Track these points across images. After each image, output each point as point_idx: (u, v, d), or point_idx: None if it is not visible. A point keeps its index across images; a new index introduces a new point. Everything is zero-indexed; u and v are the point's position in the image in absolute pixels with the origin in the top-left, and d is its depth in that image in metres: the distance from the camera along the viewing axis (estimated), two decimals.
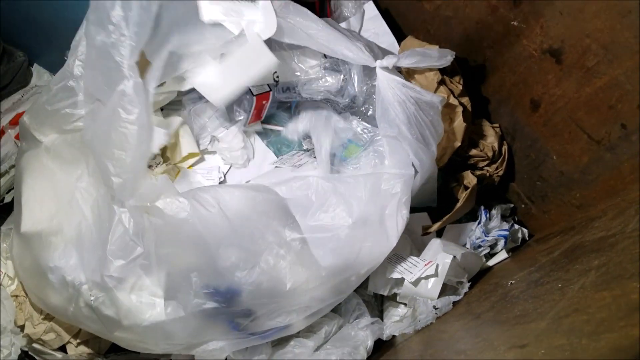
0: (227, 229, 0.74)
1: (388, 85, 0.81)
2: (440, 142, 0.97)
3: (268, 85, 0.89)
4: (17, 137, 1.11)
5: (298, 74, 0.89)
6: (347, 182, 0.86)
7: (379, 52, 0.87)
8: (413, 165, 0.85)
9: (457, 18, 1.01)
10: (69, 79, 0.78)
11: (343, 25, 1.08)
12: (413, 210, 1.00)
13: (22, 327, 0.87)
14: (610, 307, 0.46)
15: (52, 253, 0.77)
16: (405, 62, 0.83)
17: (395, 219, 0.82)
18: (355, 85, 0.90)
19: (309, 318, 0.82)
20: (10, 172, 1.07)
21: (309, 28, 0.81)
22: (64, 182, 0.80)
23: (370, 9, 1.12)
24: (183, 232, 0.72)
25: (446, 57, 0.85)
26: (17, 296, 0.88)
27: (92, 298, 0.75)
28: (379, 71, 0.82)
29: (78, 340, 0.89)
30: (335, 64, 0.89)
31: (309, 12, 0.82)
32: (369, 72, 0.89)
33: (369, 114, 0.92)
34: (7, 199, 1.07)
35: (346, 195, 0.84)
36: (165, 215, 0.71)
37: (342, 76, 0.89)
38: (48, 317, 0.88)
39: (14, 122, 1.14)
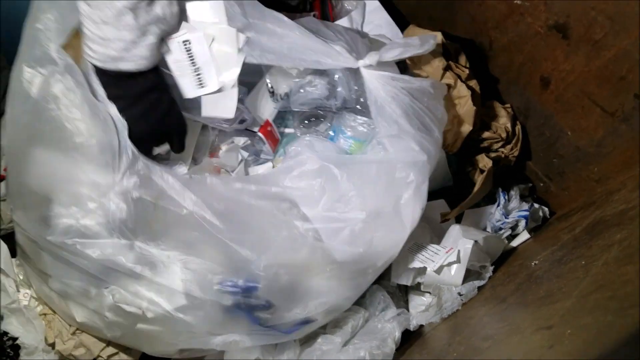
0: (238, 222, 0.74)
1: (377, 83, 0.80)
2: (452, 128, 0.97)
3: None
4: None
5: (290, 79, 0.88)
6: (360, 171, 0.85)
7: (363, 47, 0.84)
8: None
9: (459, 1, 1.00)
10: None
11: (344, 20, 1.07)
12: (430, 194, 1.00)
13: (52, 345, 0.88)
14: (634, 281, 0.45)
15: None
16: (388, 56, 0.81)
17: (412, 208, 0.81)
18: (343, 88, 0.88)
19: (330, 313, 0.82)
20: None
21: (276, 44, 0.76)
22: None
23: (371, 2, 1.11)
24: (196, 225, 0.73)
25: (429, 43, 0.84)
26: (45, 314, 0.89)
27: (112, 295, 0.76)
28: (363, 71, 0.80)
29: (108, 354, 0.90)
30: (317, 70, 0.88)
31: (278, 19, 0.77)
32: (355, 73, 0.88)
33: (364, 108, 0.90)
34: None
35: (359, 184, 0.83)
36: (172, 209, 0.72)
37: (327, 80, 0.87)
38: (77, 333, 0.89)
39: None
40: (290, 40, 0.77)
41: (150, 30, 0.67)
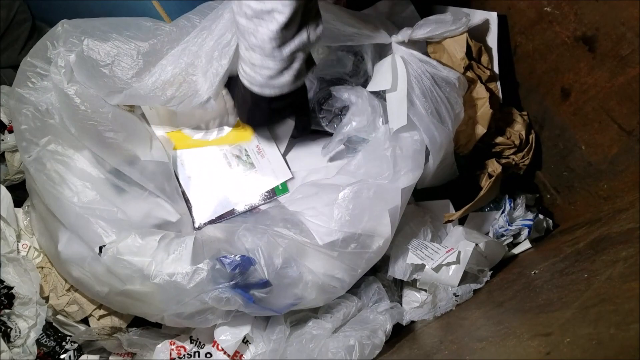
0: None
1: (405, 60, 0.80)
2: (466, 129, 0.96)
3: None
4: None
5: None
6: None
7: (393, 27, 0.86)
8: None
9: (489, 2, 0.99)
10: None
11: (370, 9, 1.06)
12: (436, 191, 1.00)
13: (46, 299, 0.89)
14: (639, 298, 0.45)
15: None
16: (420, 33, 0.81)
17: (405, 192, 0.82)
18: (370, 64, 0.88)
19: (324, 294, 0.83)
20: None
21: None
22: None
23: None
24: None
25: (460, 20, 0.84)
26: (42, 267, 0.90)
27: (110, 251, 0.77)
28: (394, 46, 0.81)
29: (100, 314, 0.90)
30: (347, 45, 0.88)
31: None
32: (383, 49, 0.88)
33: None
34: None
35: (356, 166, 0.85)
36: None
37: (354, 58, 0.88)
38: (71, 289, 0.89)
39: None
40: (328, 16, 0.78)
41: (297, 57, 0.69)
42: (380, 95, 0.88)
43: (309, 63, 0.73)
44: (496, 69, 0.96)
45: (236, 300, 0.77)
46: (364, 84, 0.90)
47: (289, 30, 0.64)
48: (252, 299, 0.78)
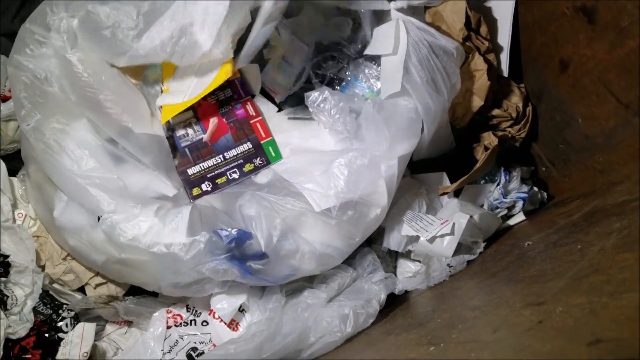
0: None
1: (403, 26, 0.80)
2: (463, 101, 0.96)
3: None
4: None
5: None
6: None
7: None
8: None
9: None
10: None
11: None
12: (432, 163, 1.00)
13: (42, 267, 0.89)
14: (632, 268, 0.45)
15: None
16: None
17: (399, 161, 0.82)
18: (367, 31, 0.88)
19: (321, 264, 0.84)
20: None
21: None
22: None
23: None
24: None
25: None
26: (38, 237, 0.90)
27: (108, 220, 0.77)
28: (393, 12, 0.80)
29: (96, 282, 0.91)
30: (344, 9, 0.87)
31: None
32: (382, 16, 0.87)
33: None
34: None
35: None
36: None
37: (352, 22, 0.87)
38: (67, 258, 0.89)
39: None
40: None
41: None
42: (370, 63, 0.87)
43: None
44: (507, 40, 0.95)
45: (233, 271, 0.77)
46: (362, 50, 0.89)
47: None
48: (248, 270, 0.79)
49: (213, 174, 0.89)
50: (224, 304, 0.85)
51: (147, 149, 0.84)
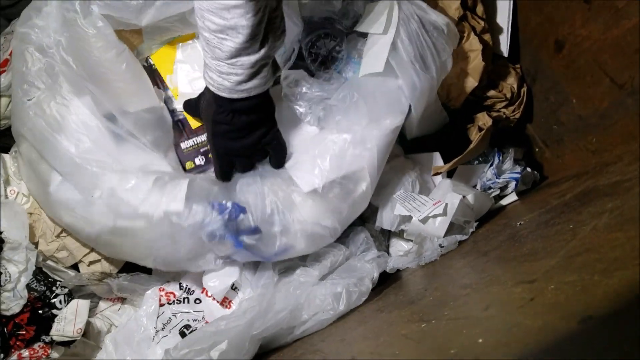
0: None
1: (395, 6, 0.79)
2: (457, 82, 0.96)
3: None
4: None
5: None
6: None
7: None
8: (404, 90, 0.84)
9: None
10: None
11: None
12: (426, 142, 1.00)
13: (36, 244, 0.89)
14: (624, 246, 0.46)
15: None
16: None
17: (388, 137, 0.83)
18: (361, 5, 0.87)
19: (312, 242, 0.84)
20: None
21: None
22: None
23: None
24: None
25: None
26: (31, 214, 0.89)
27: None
28: None
29: (90, 260, 0.91)
30: None
31: None
32: None
33: None
34: None
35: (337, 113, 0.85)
36: None
37: None
38: (61, 236, 0.89)
39: None
40: None
41: (264, 65, 0.70)
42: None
43: (275, 68, 0.75)
44: (507, 20, 0.95)
45: (228, 241, 0.77)
46: (353, 25, 0.88)
47: (254, 42, 0.66)
48: (241, 244, 0.79)
49: (205, 148, 0.89)
50: (216, 281, 0.86)
51: (148, 127, 0.84)
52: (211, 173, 0.87)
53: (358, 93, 0.83)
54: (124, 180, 0.76)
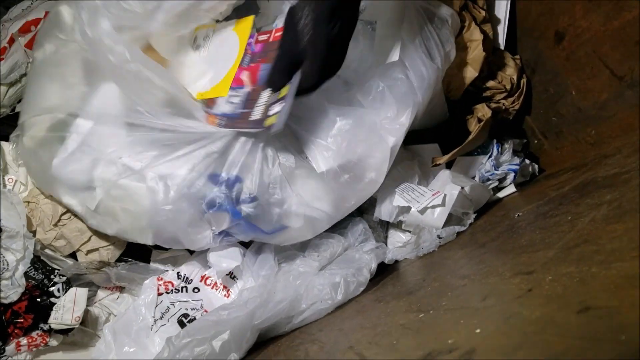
0: None
1: None
2: (457, 73, 0.95)
3: None
4: (27, 45, 1.08)
5: None
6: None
7: None
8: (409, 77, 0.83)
9: None
10: None
11: None
12: (425, 134, 1.00)
13: (34, 233, 0.89)
14: (622, 238, 0.46)
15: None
16: None
17: (396, 129, 0.82)
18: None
19: (309, 226, 0.84)
20: (21, 81, 1.05)
21: None
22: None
23: None
24: None
25: None
26: (28, 202, 0.89)
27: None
28: None
29: (88, 249, 0.91)
30: None
31: None
32: None
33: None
34: (18, 109, 1.06)
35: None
36: None
37: None
38: (58, 224, 0.89)
39: (24, 29, 1.11)
40: None
41: None
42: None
43: None
44: (504, 11, 0.94)
45: (227, 208, 0.77)
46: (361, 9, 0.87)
47: None
48: (239, 214, 0.79)
49: None
50: (220, 259, 0.85)
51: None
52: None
53: (382, 82, 0.82)
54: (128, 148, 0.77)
